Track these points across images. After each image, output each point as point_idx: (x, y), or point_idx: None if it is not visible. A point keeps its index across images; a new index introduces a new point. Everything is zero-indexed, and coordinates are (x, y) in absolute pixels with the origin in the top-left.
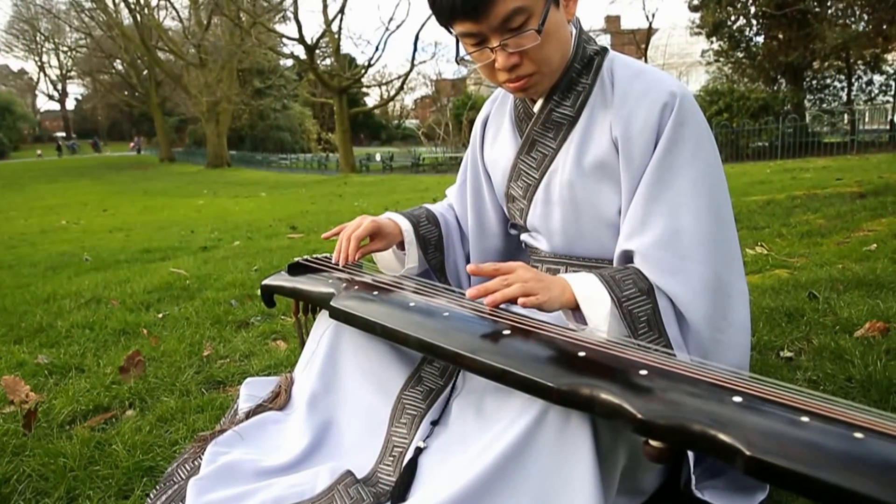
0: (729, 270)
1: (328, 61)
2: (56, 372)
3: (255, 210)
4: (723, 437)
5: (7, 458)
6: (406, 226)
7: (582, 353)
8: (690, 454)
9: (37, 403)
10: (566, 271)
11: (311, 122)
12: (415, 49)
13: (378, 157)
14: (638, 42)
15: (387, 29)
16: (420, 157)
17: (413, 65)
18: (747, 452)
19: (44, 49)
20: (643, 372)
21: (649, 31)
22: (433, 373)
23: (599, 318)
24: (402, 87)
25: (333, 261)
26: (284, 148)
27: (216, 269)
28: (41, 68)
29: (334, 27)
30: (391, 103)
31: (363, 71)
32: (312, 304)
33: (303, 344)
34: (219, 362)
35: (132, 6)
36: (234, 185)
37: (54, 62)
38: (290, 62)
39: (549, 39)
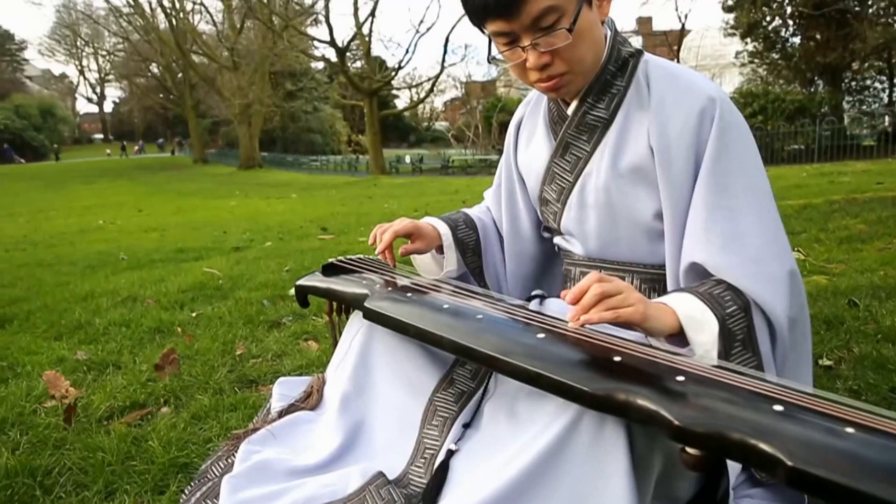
0: (794, 265)
1: (359, 64)
2: (94, 368)
3: (286, 211)
4: (763, 446)
5: (49, 450)
6: (444, 230)
7: (617, 358)
8: (730, 463)
9: (76, 398)
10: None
11: (341, 124)
12: (445, 51)
13: (408, 160)
14: (670, 44)
15: (417, 31)
16: (450, 160)
17: (443, 67)
18: (789, 463)
19: (84, 53)
20: (680, 378)
21: (682, 33)
22: (465, 375)
23: (704, 342)
24: (431, 90)
25: (369, 243)
26: (315, 150)
27: (248, 270)
28: (81, 72)
29: (365, 30)
30: (421, 105)
31: (393, 73)
32: (346, 305)
33: (335, 344)
34: (251, 361)
35: (168, 11)
36: (265, 186)
37: (93, 66)
38: (321, 65)
39: (581, 39)
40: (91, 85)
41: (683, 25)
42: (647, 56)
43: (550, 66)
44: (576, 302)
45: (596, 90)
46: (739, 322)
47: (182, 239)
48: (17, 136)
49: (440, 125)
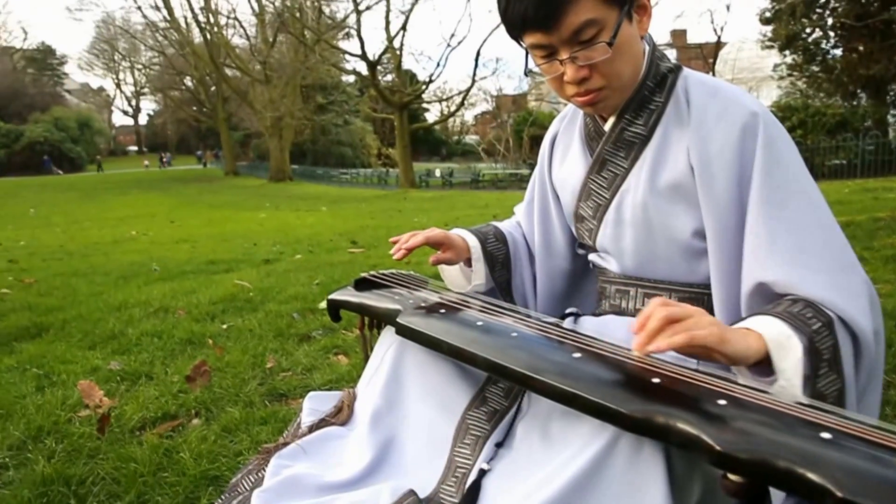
0: (865, 275)
1: (389, 77)
2: (127, 378)
3: (315, 224)
4: (811, 475)
5: (83, 459)
6: (473, 242)
7: (656, 380)
8: (774, 491)
9: (110, 408)
10: (636, 293)
11: (371, 137)
12: (476, 65)
13: (438, 173)
14: (705, 56)
15: (448, 45)
16: (480, 174)
17: (474, 80)
18: (839, 494)
19: (121, 67)
20: (722, 402)
21: (717, 45)
22: (498, 393)
23: (788, 368)
24: (462, 103)
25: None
26: (345, 163)
27: (278, 282)
28: (118, 85)
29: (396, 43)
30: (451, 119)
31: (424, 87)
32: (378, 320)
33: (366, 359)
34: (281, 375)
35: (203, 25)
36: (295, 198)
37: (129, 79)
38: (352, 78)
39: (620, 53)
40: (127, 98)
41: (719, 38)
42: (686, 71)
43: (588, 81)
44: (641, 330)
45: (634, 106)
46: (826, 340)
47: (213, 251)
48: (55, 148)
49: (470, 139)
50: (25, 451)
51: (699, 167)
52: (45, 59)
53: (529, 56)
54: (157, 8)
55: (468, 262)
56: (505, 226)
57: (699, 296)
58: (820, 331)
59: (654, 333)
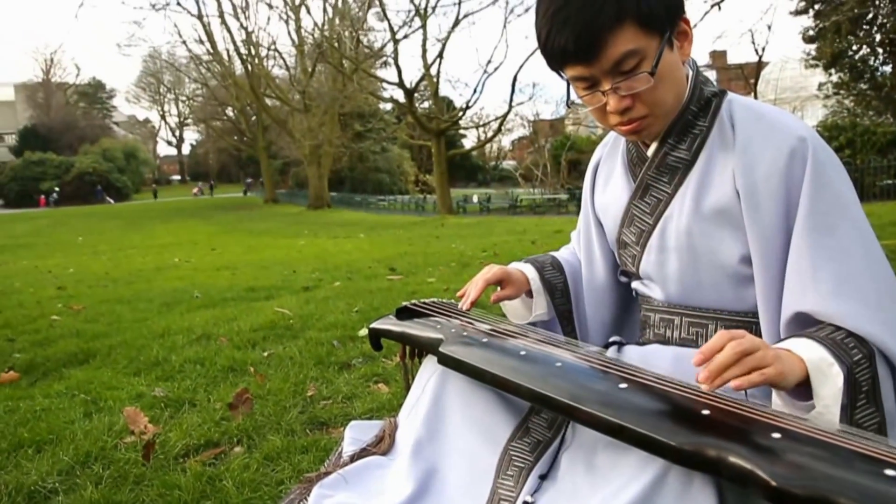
0: None
1: (427, 104)
2: (171, 405)
3: (354, 251)
4: None
5: (129, 486)
6: (532, 274)
7: (706, 411)
8: None
9: (154, 435)
10: (681, 322)
11: (409, 163)
12: (512, 90)
13: (475, 199)
14: (746, 77)
15: (485, 71)
16: (517, 199)
17: (511, 106)
18: None
19: (166, 99)
20: (776, 435)
21: (759, 65)
22: (541, 424)
23: (827, 396)
24: (499, 129)
25: (461, 306)
26: (383, 189)
27: (318, 310)
28: (162, 117)
29: (433, 71)
30: (488, 145)
31: (461, 113)
32: (420, 349)
33: (408, 389)
34: (322, 403)
35: (244, 57)
36: (333, 225)
37: (174, 111)
38: (389, 106)
39: (662, 81)
40: (171, 129)
41: (761, 58)
42: (730, 96)
43: (631, 110)
44: (705, 361)
45: (677, 131)
46: (865, 372)
47: (253, 278)
48: (103, 178)
49: (508, 164)
50: (74, 477)
51: (745, 192)
52: (95, 94)
53: (571, 87)
54: (201, 41)
55: (529, 294)
56: (562, 254)
57: (747, 324)
58: (860, 362)
59: (724, 367)
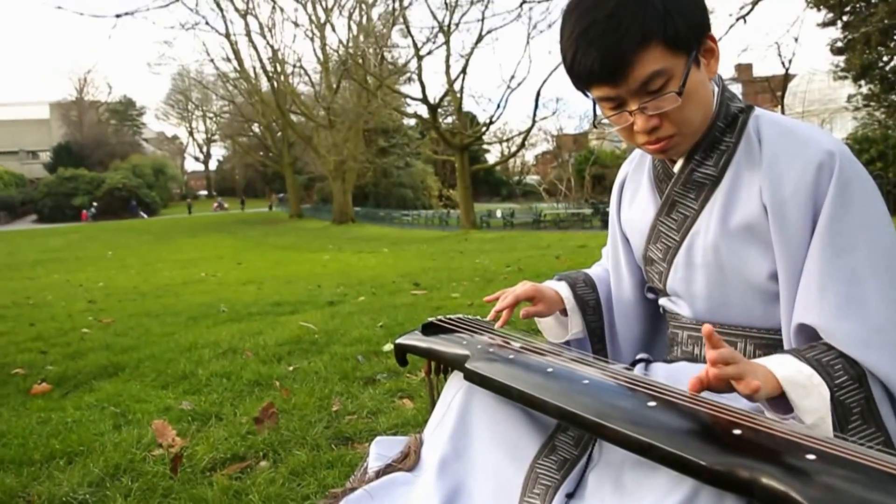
0: None
1: (450, 119)
2: (198, 418)
3: (377, 266)
4: None
5: (157, 499)
6: (566, 292)
7: (737, 431)
8: None
9: (182, 448)
10: None
11: (432, 178)
12: (536, 105)
13: (499, 214)
14: (773, 90)
15: (508, 87)
16: (541, 214)
17: (534, 121)
18: None
19: (193, 116)
20: (811, 457)
21: (786, 78)
22: (568, 441)
23: (813, 409)
24: (522, 144)
25: (489, 318)
26: (406, 204)
27: (343, 325)
28: (190, 133)
29: (456, 86)
30: (512, 159)
31: (484, 128)
32: (446, 365)
33: (433, 405)
34: (347, 418)
35: (270, 74)
36: (357, 240)
37: (201, 127)
38: (413, 121)
39: (689, 100)
40: (199, 145)
41: (787, 70)
42: (757, 111)
43: (659, 129)
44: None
45: (704, 147)
46: (854, 393)
47: (278, 292)
48: (132, 194)
49: (531, 179)
50: (104, 489)
51: (773, 208)
52: (126, 111)
53: (597, 107)
54: (229, 59)
55: (563, 312)
56: (595, 271)
57: (776, 342)
58: (844, 384)
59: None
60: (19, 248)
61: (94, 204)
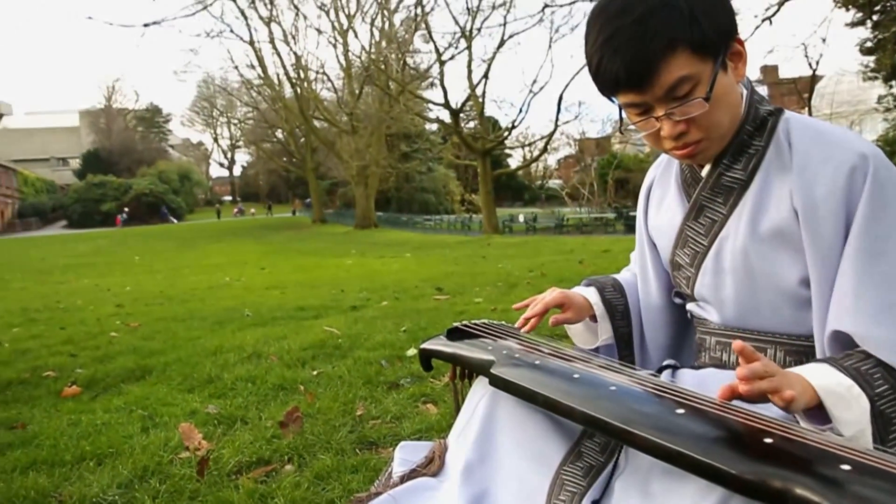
0: None
1: (472, 124)
2: (223, 422)
3: (400, 270)
4: None
5: (184, 501)
6: (594, 298)
7: (769, 440)
8: None
9: (208, 451)
10: None
11: (454, 183)
12: (558, 110)
13: (521, 218)
14: (800, 91)
15: (530, 91)
16: (564, 218)
17: (556, 125)
18: None
19: (218, 122)
20: (846, 467)
21: (813, 79)
22: (594, 448)
23: (853, 421)
24: (545, 148)
25: (518, 325)
26: (429, 209)
27: (366, 329)
28: (215, 139)
29: (478, 91)
30: (534, 164)
31: (506, 133)
32: (471, 371)
33: (458, 410)
34: (371, 423)
35: (294, 81)
36: (380, 245)
37: (226, 133)
38: (435, 126)
39: (717, 105)
40: (223, 151)
41: (815, 71)
42: (787, 114)
43: (686, 135)
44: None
45: (732, 151)
46: (894, 403)
47: (302, 297)
48: (159, 199)
49: (554, 183)
50: (133, 490)
51: (804, 213)
52: (152, 118)
53: (623, 112)
54: (253, 66)
55: (593, 318)
56: (624, 276)
57: (808, 349)
58: (884, 393)
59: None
60: (50, 254)
61: (126, 209)
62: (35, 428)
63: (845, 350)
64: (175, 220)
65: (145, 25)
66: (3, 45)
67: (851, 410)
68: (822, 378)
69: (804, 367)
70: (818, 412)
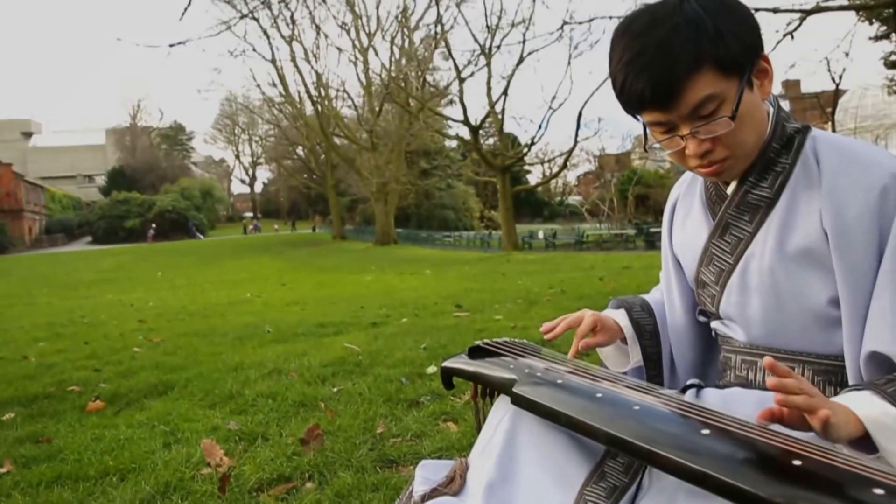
0: None
1: (491, 141)
2: (244, 438)
3: (420, 287)
4: None
5: None
6: (624, 321)
7: (797, 462)
8: None
9: (229, 468)
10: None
11: (474, 200)
12: (578, 126)
13: (541, 235)
14: (822, 106)
15: (550, 108)
16: (584, 235)
17: (576, 141)
18: None
19: (240, 140)
20: (878, 491)
21: (836, 94)
22: (617, 468)
23: None
24: (565, 164)
25: (543, 330)
26: (448, 226)
27: (386, 346)
28: (237, 156)
29: (498, 108)
30: (554, 180)
31: (526, 149)
32: (492, 389)
33: (479, 428)
34: (391, 440)
35: (315, 98)
36: (400, 261)
37: (247, 151)
38: (454, 143)
39: (743, 123)
40: (244, 168)
41: (838, 86)
42: (815, 132)
43: (712, 153)
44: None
45: (758, 169)
46: None
47: (322, 313)
48: (181, 216)
49: (573, 199)
50: None
51: (834, 234)
52: (176, 136)
53: (648, 131)
54: (274, 85)
55: (624, 341)
56: (652, 295)
57: (837, 368)
58: None
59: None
60: (76, 269)
61: (153, 226)
62: (60, 442)
63: (881, 370)
64: (201, 236)
65: (171, 46)
66: (34, 66)
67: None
68: (868, 408)
69: (846, 396)
70: (864, 441)
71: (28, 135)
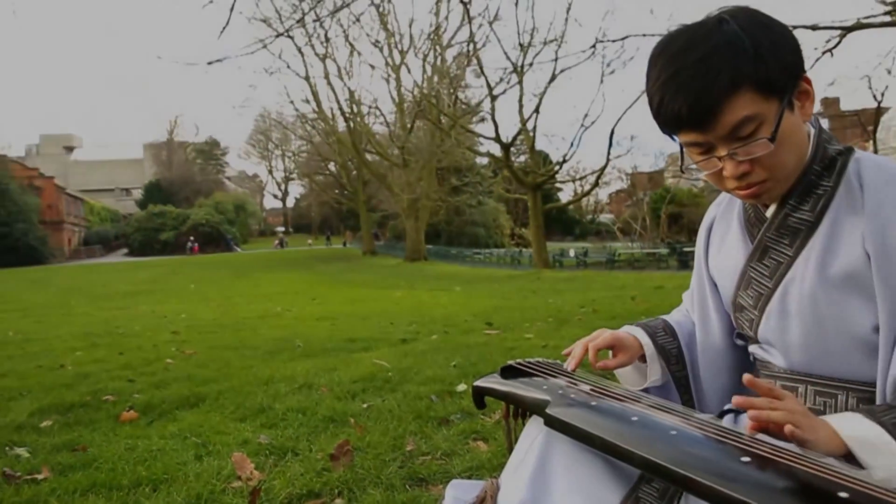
0: None
1: (523, 158)
2: (275, 452)
3: (449, 304)
4: None
5: None
6: (645, 339)
7: (844, 494)
8: None
9: (260, 482)
10: (806, 390)
11: (504, 217)
12: (610, 144)
13: (572, 253)
14: (863, 124)
15: (582, 125)
16: (615, 253)
17: (608, 159)
18: None
19: (273, 155)
20: None
21: (878, 112)
22: (652, 493)
23: (886, 467)
24: (596, 182)
25: (566, 366)
26: (479, 243)
27: (416, 363)
28: (270, 171)
29: (529, 125)
30: (585, 198)
31: (557, 167)
32: (525, 410)
33: (510, 449)
34: (421, 459)
35: (347, 115)
36: (430, 278)
37: (280, 166)
38: (486, 160)
39: (782, 145)
40: (277, 183)
41: (880, 104)
42: (858, 154)
43: (750, 175)
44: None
45: (799, 191)
46: None
47: (352, 329)
48: (214, 230)
49: (605, 217)
50: None
51: (877, 257)
52: (211, 151)
53: (685, 151)
54: (307, 101)
55: (642, 359)
56: (674, 317)
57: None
58: None
59: (774, 420)
60: (112, 280)
61: (192, 239)
62: (95, 451)
63: None
64: (239, 249)
65: (209, 63)
66: (77, 83)
67: (882, 456)
68: (853, 430)
69: (835, 418)
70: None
71: (70, 149)
